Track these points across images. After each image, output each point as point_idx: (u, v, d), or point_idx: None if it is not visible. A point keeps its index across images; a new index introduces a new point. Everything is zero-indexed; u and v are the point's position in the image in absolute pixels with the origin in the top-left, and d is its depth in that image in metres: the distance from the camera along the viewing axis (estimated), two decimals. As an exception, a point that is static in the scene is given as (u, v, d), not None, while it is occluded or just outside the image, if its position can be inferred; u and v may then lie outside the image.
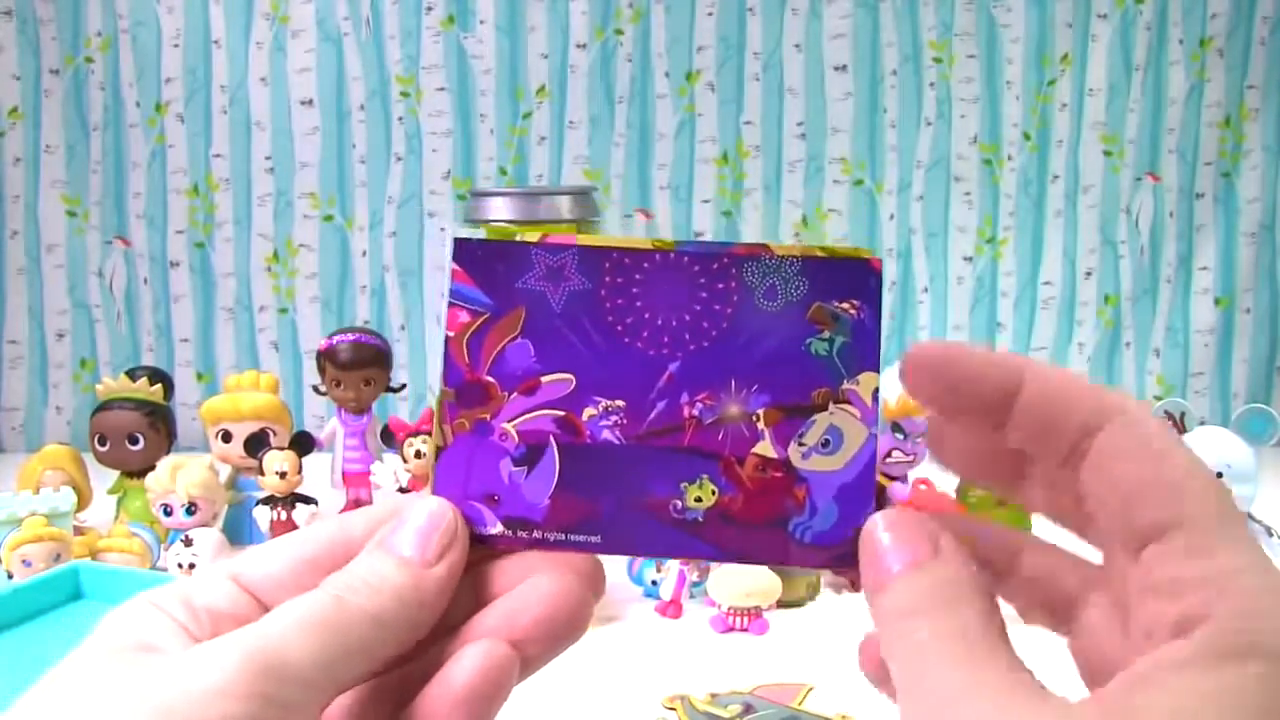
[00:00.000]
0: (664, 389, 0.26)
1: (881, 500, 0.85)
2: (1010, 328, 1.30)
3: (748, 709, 0.60)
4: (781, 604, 0.76)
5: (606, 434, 0.26)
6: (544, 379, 0.26)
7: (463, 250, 0.27)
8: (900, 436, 0.84)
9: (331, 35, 1.21)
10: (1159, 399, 1.28)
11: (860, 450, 0.26)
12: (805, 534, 0.26)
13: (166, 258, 1.25)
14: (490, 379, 0.26)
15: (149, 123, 1.22)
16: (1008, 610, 0.24)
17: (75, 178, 1.23)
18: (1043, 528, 0.26)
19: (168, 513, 0.83)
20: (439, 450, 0.26)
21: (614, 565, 0.80)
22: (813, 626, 0.75)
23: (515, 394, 0.26)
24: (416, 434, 0.87)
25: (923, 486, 0.88)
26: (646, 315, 0.26)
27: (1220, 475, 0.76)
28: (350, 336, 0.94)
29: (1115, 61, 1.26)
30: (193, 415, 1.20)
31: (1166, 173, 1.28)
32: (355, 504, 0.95)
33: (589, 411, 0.26)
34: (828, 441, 0.26)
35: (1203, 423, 0.82)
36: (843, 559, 0.25)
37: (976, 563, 0.23)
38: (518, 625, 0.24)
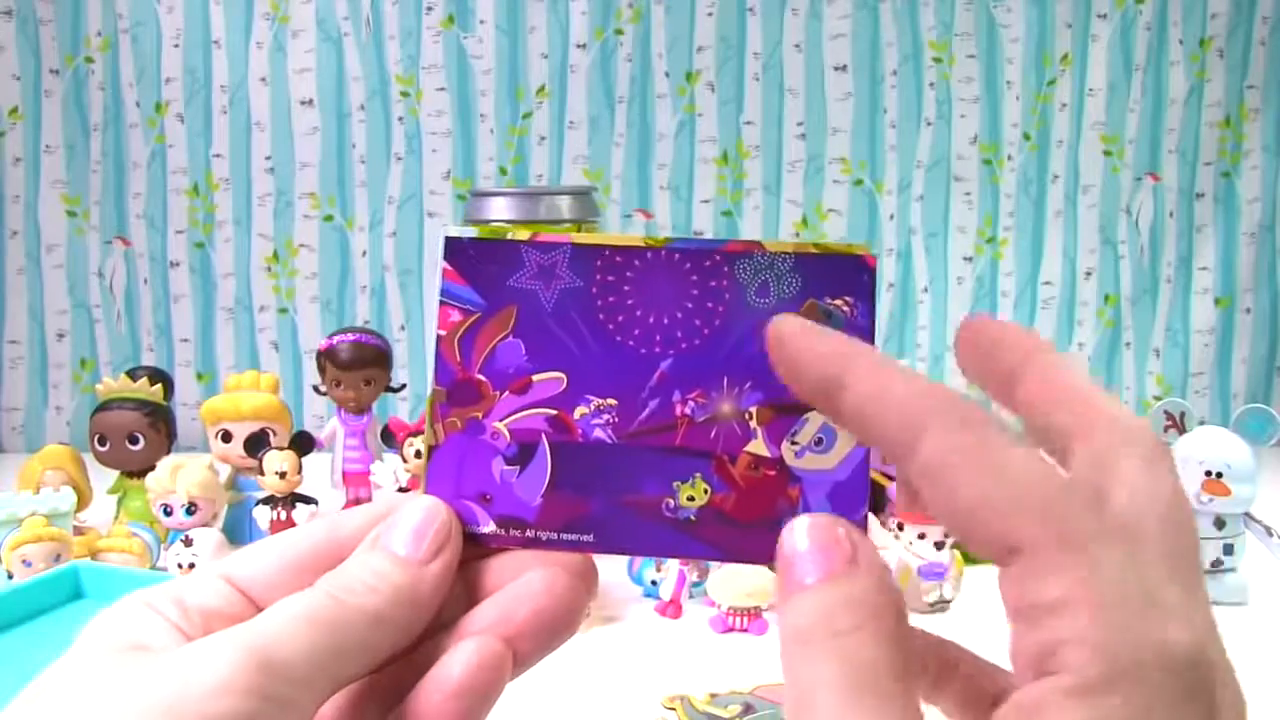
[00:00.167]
0: (656, 387, 0.26)
1: (880, 501, 0.85)
2: (1010, 328, 1.30)
3: (748, 709, 0.60)
4: (781, 604, 0.76)
5: (598, 432, 0.26)
6: (536, 378, 0.26)
7: (453, 248, 0.27)
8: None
9: (331, 35, 1.22)
10: (1159, 399, 1.28)
11: (854, 449, 0.25)
12: None
13: (166, 258, 1.25)
14: (482, 378, 0.26)
15: (149, 123, 1.22)
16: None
17: (75, 178, 1.23)
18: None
19: (168, 513, 0.83)
20: (431, 449, 0.26)
21: (614, 565, 0.80)
22: (812, 626, 0.75)
23: (507, 393, 0.26)
24: (416, 434, 0.87)
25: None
26: (638, 313, 0.26)
27: (1220, 475, 0.77)
28: (350, 336, 0.94)
29: (1115, 61, 1.26)
30: (193, 415, 1.20)
31: (1166, 173, 1.28)
32: (355, 504, 0.95)
33: (581, 410, 0.26)
34: (821, 440, 0.26)
35: (1203, 423, 0.82)
36: None
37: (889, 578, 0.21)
38: (511, 622, 0.24)
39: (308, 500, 0.89)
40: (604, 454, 0.26)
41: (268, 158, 1.23)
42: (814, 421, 0.26)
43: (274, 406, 0.92)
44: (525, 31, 1.23)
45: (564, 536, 0.26)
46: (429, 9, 1.22)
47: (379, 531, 0.25)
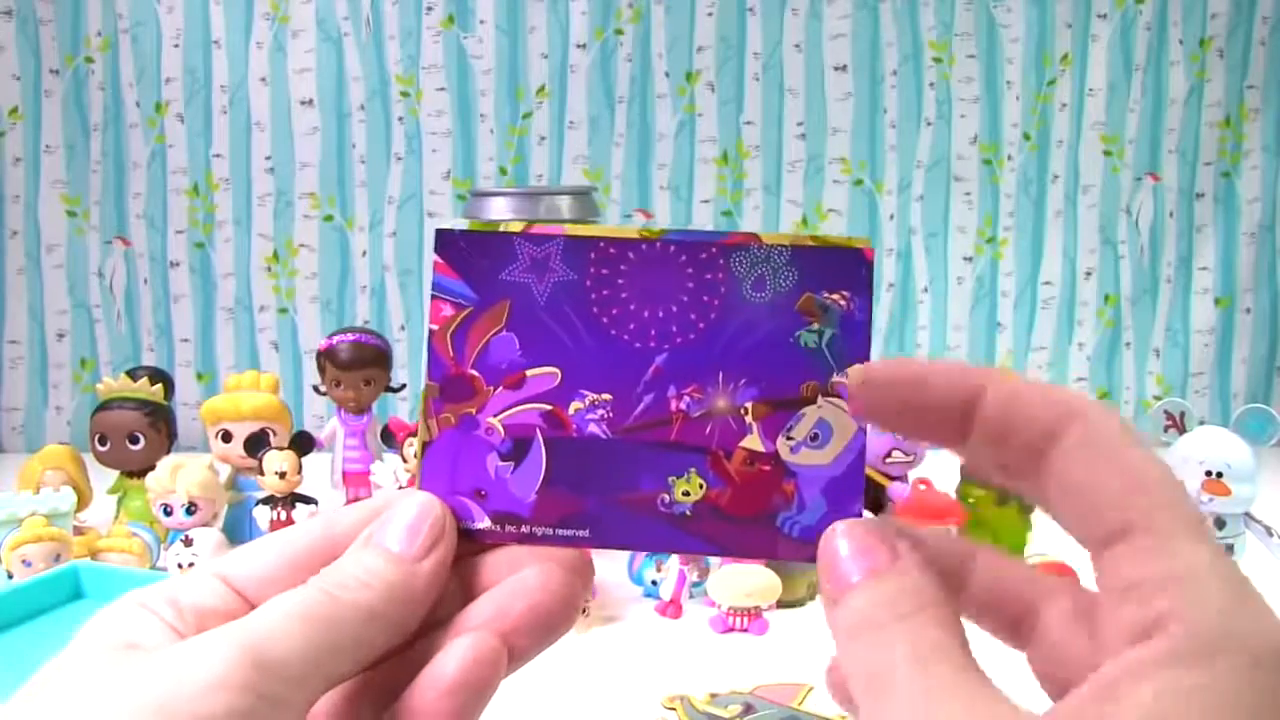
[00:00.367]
0: (651, 382, 0.26)
1: (881, 499, 0.85)
2: (1010, 328, 1.30)
3: (748, 709, 0.60)
4: (781, 604, 0.76)
5: (593, 428, 0.26)
6: (530, 373, 0.26)
7: (445, 241, 0.26)
8: (900, 436, 0.84)
9: (331, 35, 1.22)
10: (1159, 399, 1.28)
11: (849, 444, 0.25)
12: (794, 528, 0.25)
13: (166, 258, 1.25)
14: (475, 373, 0.26)
15: (149, 123, 1.22)
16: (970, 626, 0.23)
17: (75, 178, 1.23)
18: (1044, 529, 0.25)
19: (168, 513, 0.83)
20: (425, 445, 0.26)
21: (614, 565, 0.80)
22: (813, 626, 0.75)
23: (501, 388, 0.26)
24: (416, 434, 0.87)
25: (922, 486, 0.88)
26: (633, 307, 0.26)
27: (1220, 475, 0.77)
28: (350, 336, 0.94)
29: (1115, 61, 1.26)
30: (193, 415, 1.20)
31: (1166, 173, 1.28)
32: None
33: (575, 405, 0.26)
34: (816, 435, 0.26)
35: (1203, 423, 0.82)
36: None
37: (934, 571, 0.23)
38: (506, 618, 0.24)
39: (308, 500, 0.89)
40: (599, 449, 0.26)
41: (268, 158, 1.23)
42: (809, 417, 0.26)
43: (274, 406, 0.92)
44: (525, 31, 1.23)
45: (559, 532, 0.26)
46: (429, 9, 1.22)
47: (373, 528, 0.25)
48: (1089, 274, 1.29)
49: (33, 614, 0.70)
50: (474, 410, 0.26)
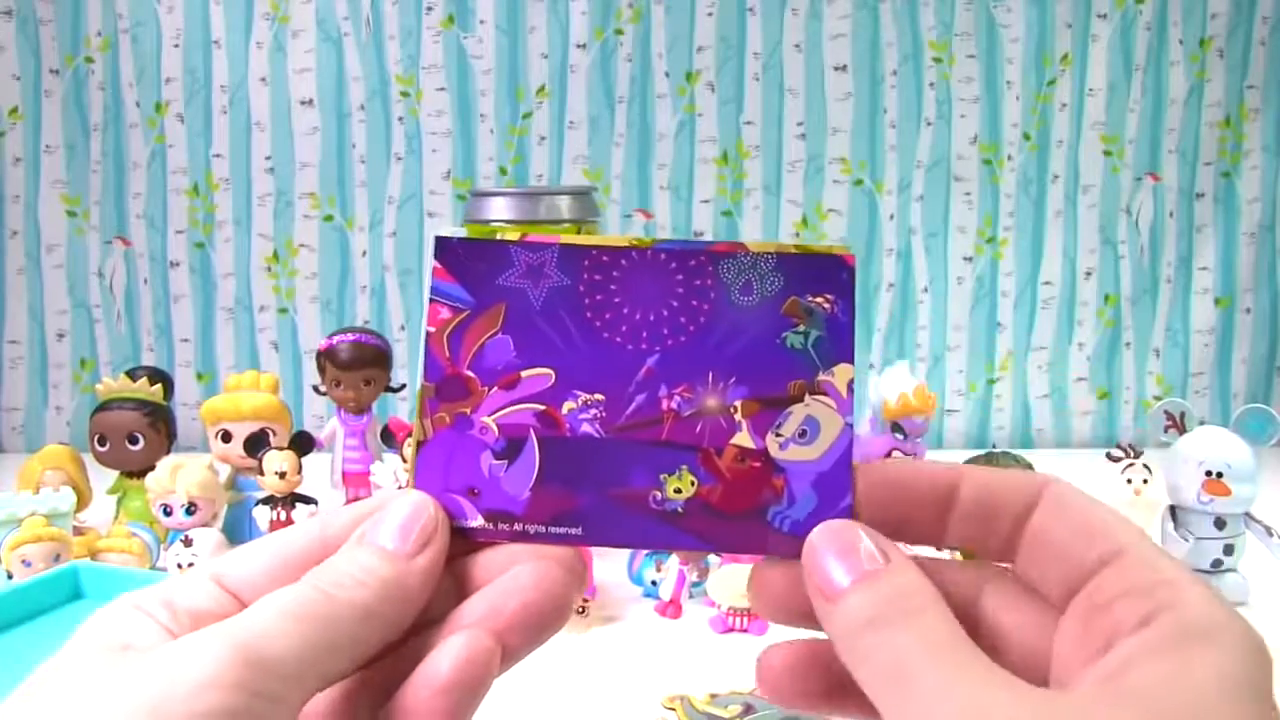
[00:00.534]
0: (643, 382, 0.26)
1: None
2: (1010, 328, 1.30)
3: (748, 709, 0.60)
4: (781, 604, 0.76)
5: (586, 427, 0.26)
6: (524, 374, 0.27)
7: (444, 248, 0.27)
8: (900, 436, 0.84)
9: (331, 35, 1.22)
10: (1159, 399, 1.28)
11: (837, 440, 0.26)
12: (784, 523, 0.26)
13: (166, 258, 1.25)
14: (471, 374, 0.27)
15: (149, 123, 1.22)
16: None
17: (75, 178, 1.23)
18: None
19: (167, 513, 0.83)
20: (419, 444, 0.27)
21: (614, 566, 0.80)
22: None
23: (495, 388, 0.27)
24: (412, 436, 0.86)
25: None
26: (625, 311, 0.27)
27: (1220, 475, 0.76)
28: (350, 336, 0.94)
29: (1115, 61, 1.26)
30: (193, 415, 1.20)
31: (1166, 173, 1.28)
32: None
33: (569, 405, 0.26)
34: (805, 432, 0.26)
35: (1203, 423, 0.82)
36: None
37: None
38: (500, 616, 0.24)
39: (307, 500, 0.89)
40: (592, 448, 0.26)
41: (268, 158, 1.23)
42: (797, 414, 0.26)
43: (274, 406, 0.92)
44: (525, 31, 1.23)
45: (552, 530, 0.26)
46: (429, 9, 1.22)
47: (366, 527, 0.25)
48: (1089, 274, 1.29)
49: (32, 614, 0.70)
50: (469, 410, 0.27)
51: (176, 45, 1.21)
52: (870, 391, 0.87)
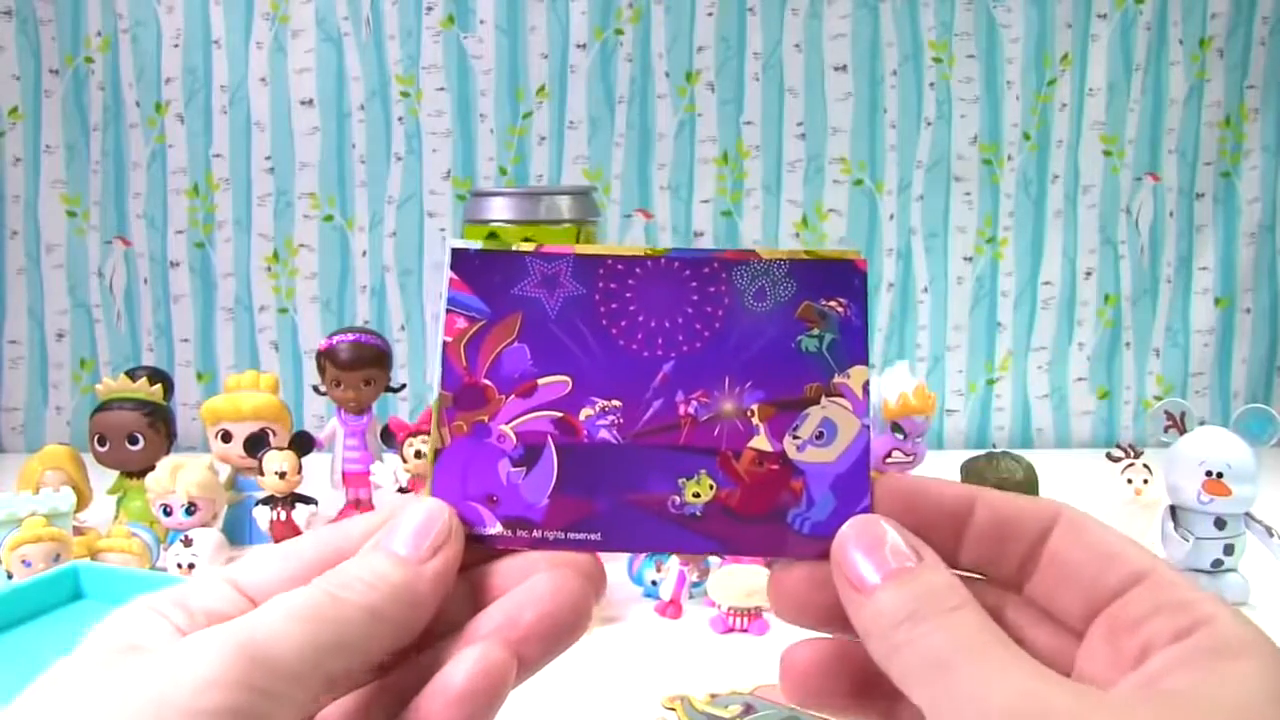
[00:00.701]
0: (659, 388, 0.26)
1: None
2: (1010, 328, 1.30)
3: (748, 709, 0.60)
4: (781, 604, 0.76)
5: (604, 433, 0.26)
6: (541, 381, 0.27)
7: (460, 259, 0.27)
8: (900, 436, 0.84)
9: (331, 35, 1.22)
10: (1159, 399, 1.28)
11: (854, 441, 0.26)
12: (804, 525, 0.26)
13: (166, 258, 1.25)
14: (488, 382, 0.27)
15: (149, 123, 1.22)
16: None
17: (75, 178, 1.23)
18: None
19: (167, 513, 0.83)
20: (437, 453, 0.27)
21: (614, 566, 0.80)
22: (812, 626, 0.75)
23: (513, 396, 0.27)
24: (416, 434, 0.87)
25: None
26: (640, 318, 0.27)
27: (1220, 475, 0.77)
28: (350, 336, 0.94)
29: (1115, 61, 1.26)
30: (193, 415, 1.20)
31: (1166, 173, 1.28)
32: (355, 504, 0.95)
33: (586, 412, 0.26)
34: (822, 434, 0.26)
35: (1203, 423, 0.82)
36: None
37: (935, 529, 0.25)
38: (517, 626, 0.24)
39: (307, 500, 0.89)
40: (609, 454, 0.26)
41: (268, 158, 1.23)
42: (814, 416, 0.26)
43: (274, 406, 0.92)
44: (525, 31, 1.23)
45: (571, 536, 0.26)
46: (429, 9, 1.22)
47: (380, 534, 0.25)
48: (1089, 274, 1.30)
49: (33, 614, 0.70)
50: (486, 418, 0.27)
51: (176, 45, 1.21)
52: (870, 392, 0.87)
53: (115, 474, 0.91)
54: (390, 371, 0.96)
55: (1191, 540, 0.77)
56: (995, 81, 1.26)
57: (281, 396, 0.96)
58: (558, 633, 0.24)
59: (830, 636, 0.27)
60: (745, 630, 0.74)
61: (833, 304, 0.27)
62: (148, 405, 0.90)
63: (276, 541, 0.68)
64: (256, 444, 0.88)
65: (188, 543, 0.80)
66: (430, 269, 1.26)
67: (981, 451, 0.86)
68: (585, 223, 0.88)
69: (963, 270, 1.29)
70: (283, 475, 0.86)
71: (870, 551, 0.24)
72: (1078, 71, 1.26)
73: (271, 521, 0.86)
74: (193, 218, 1.24)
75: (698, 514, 0.26)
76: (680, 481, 0.26)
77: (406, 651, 0.25)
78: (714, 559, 0.80)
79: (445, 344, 0.27)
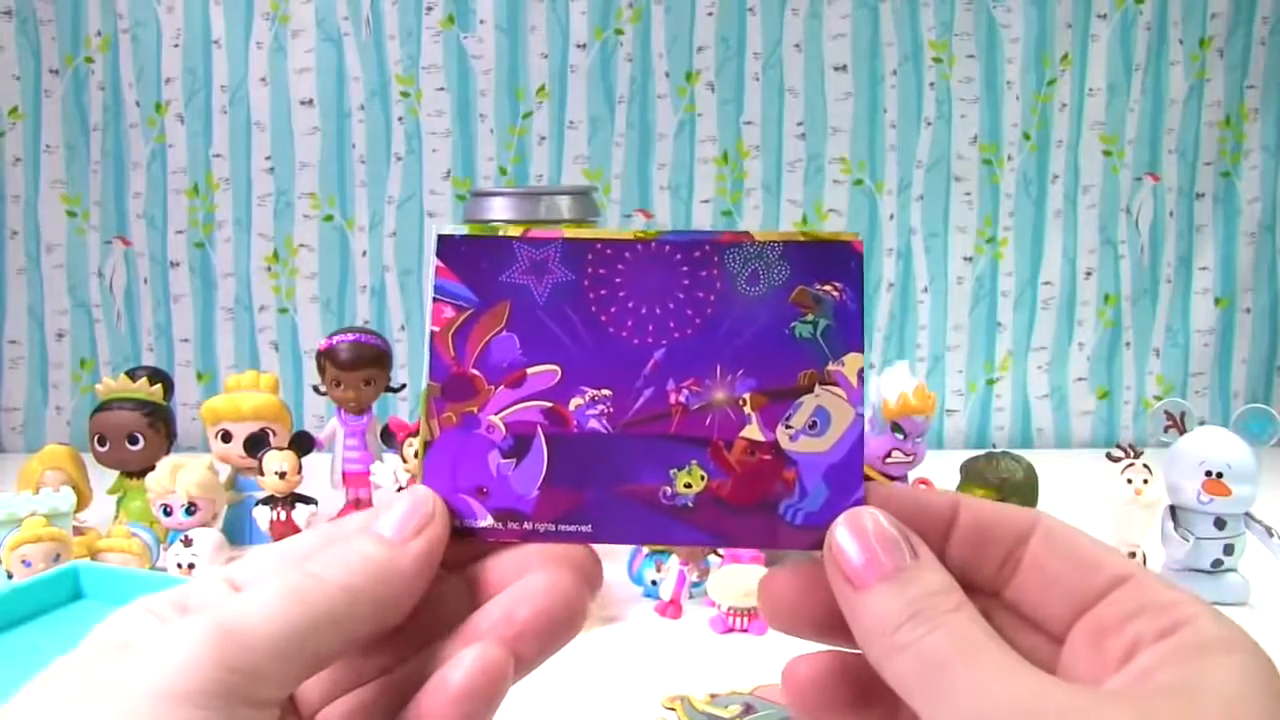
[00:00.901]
0: (650, 377, 0.26)
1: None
2: (1010, 328, 1.30)
3: (748, 709, 0.60)
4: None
5: (594, 423, 0.26)
6: (530, 371, 0.26)
7: (446, 246, 0.27)
8: (900, 436, 0.84)
9: (331, 35, 1.22)
10: (1159, 399, 1.28)
11: (848, 431, 0.26)
12: (796, 515, 0.26)
13: (166, 258, 1.25)
14: (476, 372, 0.26)
15: (149, 123, 1.22)
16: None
17: (75, 178, 1.23)
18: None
19: (167, 513, 0.83)
20: (426, 444, 0.26)
21: (614, 565, 0.80)
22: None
23: (502, 386, 0.26)
24: (416, 434, 0.86)
25: (923, 486, 0.88)
26: (630, 305, 0.26)
27: (1220, 475, 0.76)
28: (350, 336, 0.94)
29: (1115, 61, 1.26)
30: (193, 415, 1.20)
31: (1166, 173, 1.28)
32: (355, 504, 0.95)
33: (576, 401, 0.26)
34: (815, 423, 0.26)
35: (1203, 423, 0.82)
36: None
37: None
38: (513, 623, 0.24)
39: (307, 500, 0.89)
40: (600, 444, 0.26)
41: (268, 158, 1.23)
42: (807, 405, 0.26)
43: (274, 406, 0.92)
44: (525, 31, 1.23)
45: (561, 528, 0.26)
46: (429, 9, 1.22)
47: (368, 519, 0.25)
48: (1089, 274, 1.30)
49: (33, 614, 0.70)
50: (475, 409, 0.26)
51: (176, 45, 1.21)
52: (870, 391, 0.87)
53: (115, 474, 0.91)
54: (390, 371, 0.96)
55: (1191, 540, 0.77)
56: (995, 81, 1.26)
57: (281, 396, 0.96)
58: (553, 630, 0.24)
59: (827, 649, 0.27)
60: (745, 630, 0.74)
61: (828, 288, 0.26)
62: (148, 405, 0.90)
63: (276, 541, 0.68)
64: (256, 444, 0.88)
65: (188, 543, 0.80)
66: (430, 269, 1.25)
67: (981, 451, 0.86)
68: (585, 222, 0.88)
69: (963, 270, 1.29)
70: (283, 475, 0.86)
71: (865, 545, 0.24)
72: (1078, 71, 1.26)
73: (271, 521, 0.86)
74: (193, 218, 1.24)
75: (689, 505, 0.26)
76: (671, 472, 0.26)
77: (404, 649, 0.25)
78: (714, 558, 0.80)
79: (433, 334, 0.26)
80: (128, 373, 0.92)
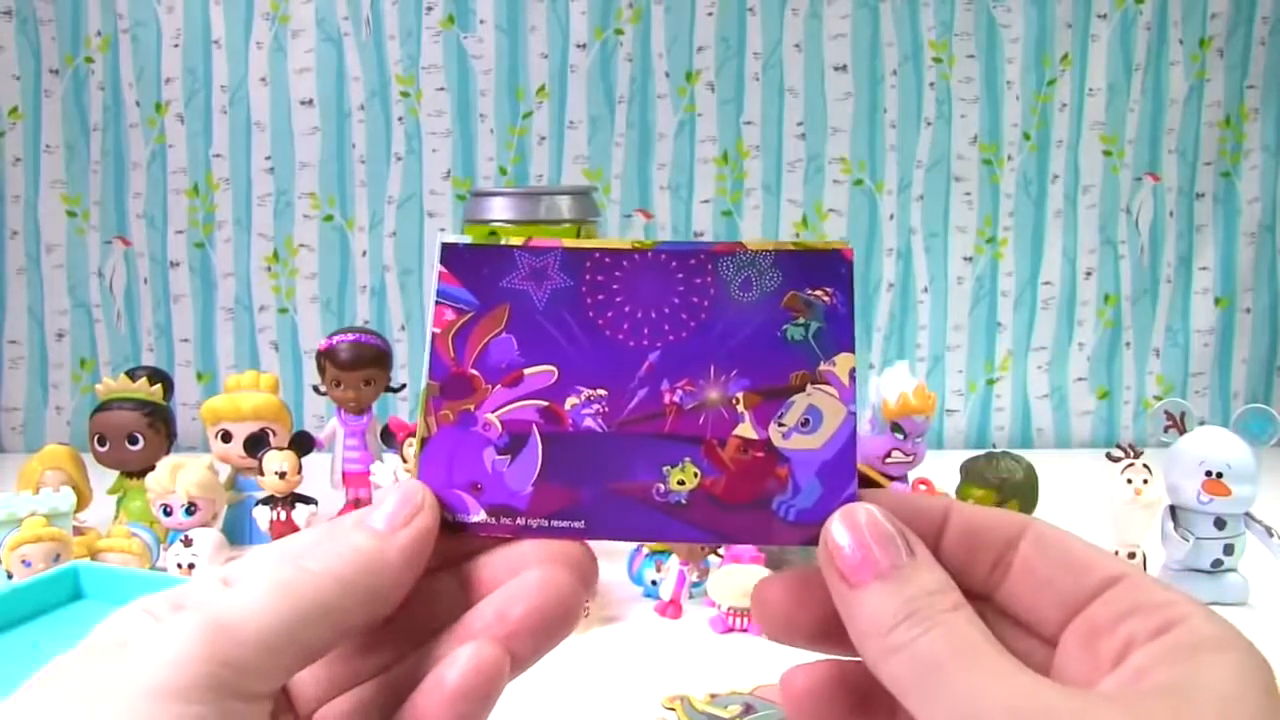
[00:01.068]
0: (645, 377, 0.27)
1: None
2: (1010, 328, 1.30)
3: (748, 709, 0.60)
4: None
5: (589, 422, 0.26)
6: (527, 371, 0.27)
7: (449, 253, 0.27)
8: (900, 436, 0.84)
9: (331, 35, 1.22)
10: (1159, 399, 1.28)
11: (840, 428, 0.26)
12: (789, 512, 0.26)
13: (166, 258, 1.25)
14: (475, 372, 0.27)
15: (149, 123, 1.22)
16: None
17: (75, 178, 1.23)
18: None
19: (167, 513, 0.83)
20: (423, 441, 0.27)
21: (614, 565, 0.80)
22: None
23: (499, 386, 0.27)
24: (416, 433, 0.86)
25: (923, 487, 0.88)
26: (627, 309, 0.27)
27: (1220, 475, 0.77)
28: (350, 336, 0.94)
29: (1115, 61, 1.26)
30: (193, 415, 1.20)
31: (1166, 173, 1.28)
32: (355, 504, 0.95)
33: (571, 401, 0.27)
34: (807, 421, 0.26)
35: (1203, 423, 0.82)
36: None
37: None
38: (507, 621, 0.24)
39: (307, 500, 0.89)
40: (594, 442, 0.26)
41: (268, 158, 1.23)
42: (799, 404, 0.26)
43: (274, 406, 0.92)
44: (525, 31, 1.23)
45: (555, 523, 0.26)
46: (429, 9, 1.22)
47: (360, 513, 0.25)
48: (1089, 274, 1.30)
49: (33, 614, 0.70)
50: (472, 407, 0.27)
51: (176, 45, 1.21)
52: (870, 392, 0.87)
53: (115, 474, 0.91)
54: (390, 371, 0.97)
55: (1191, 540, 0.77)
56: (995, 81, 1.26)
57: (281, 396, 0.96)
58: (547, 627, 0.24)
59: (824, 658, 0.27)
60: (745, 630, 0.74)
61: (819, 293, 0.27)
62: (148, 405, 0.90)
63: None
64: (256, 444, 0.88)
65: (188, 543, 0.80)
66: (430, 269, 1.25)
67: (981, 451, 0.86)
68: (585, 223, 0.88)
69: (963, 270, 1.29)
70: (283, 475, 0.86)
71: (860, 541, 0.24)
72: (1078, 71, 1.26)
73: (271, 521, 0.86)
74: (193, 218, 1.24)
75: (682, 502, 0.26)
76: (665, 469, 0.26)
77: (400, 647, 0.25)
78: (714, 558, 0.80)
79: (434, 335, 0.27)
80: (128, 373, 0.92)
